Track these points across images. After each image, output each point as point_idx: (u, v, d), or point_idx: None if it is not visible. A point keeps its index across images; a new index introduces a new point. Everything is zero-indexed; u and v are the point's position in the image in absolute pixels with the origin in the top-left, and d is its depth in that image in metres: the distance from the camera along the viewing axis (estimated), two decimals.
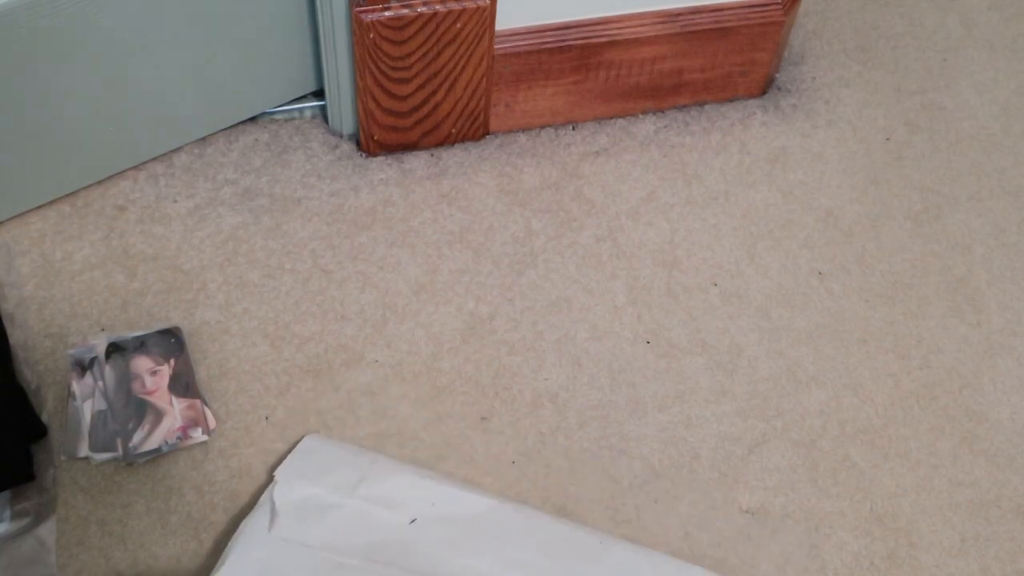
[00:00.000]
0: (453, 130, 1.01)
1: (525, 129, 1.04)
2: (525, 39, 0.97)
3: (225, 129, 1.01)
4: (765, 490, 0.84)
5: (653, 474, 0.84)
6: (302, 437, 0.82)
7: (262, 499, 0.78)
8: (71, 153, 0.93)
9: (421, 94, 0.96)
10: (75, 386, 0.83)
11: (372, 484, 0.78)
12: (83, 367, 0.84)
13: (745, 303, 0.94)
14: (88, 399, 0.83)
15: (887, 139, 1.08)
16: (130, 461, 0.81)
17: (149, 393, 0.83)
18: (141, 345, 0.86)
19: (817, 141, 1.07)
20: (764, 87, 1.09)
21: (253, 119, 1.02)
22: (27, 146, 0.90)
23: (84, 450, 0.81)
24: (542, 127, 1.05)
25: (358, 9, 0.89)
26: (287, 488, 0.77)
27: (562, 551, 0.77)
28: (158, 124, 0.96)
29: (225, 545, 0.76)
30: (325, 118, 1.03)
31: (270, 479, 0.80)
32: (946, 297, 0.96)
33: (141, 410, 0.83)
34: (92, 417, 0.82)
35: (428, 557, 0.75)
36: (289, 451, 0.81)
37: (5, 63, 0.83)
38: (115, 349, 0.85)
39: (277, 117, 1.03)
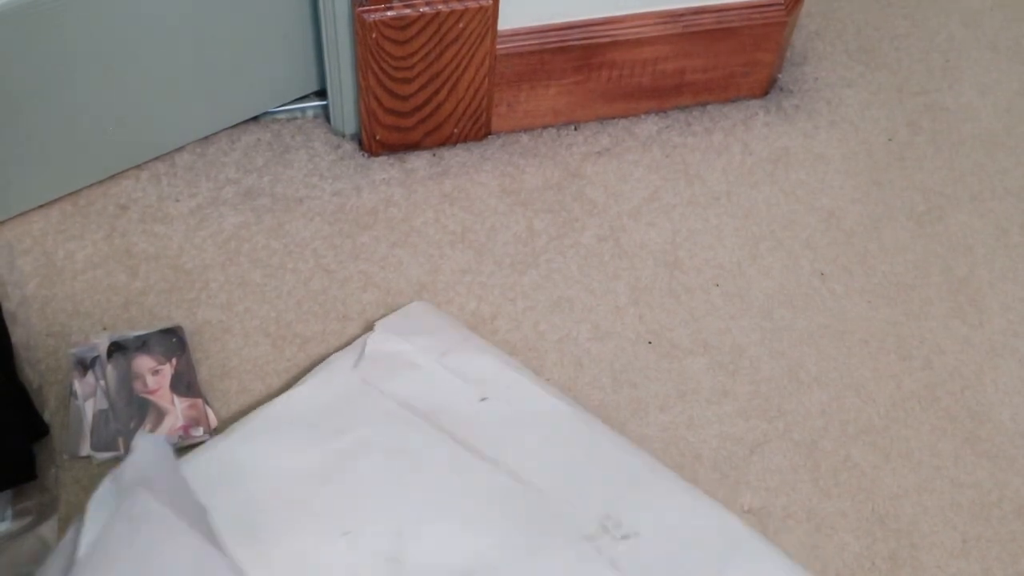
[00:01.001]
0: (455, 130, 1.01)
1: (527, 129, 1.04)
2: (527, 39, 0.97)
3: (227, 128, 1.01)
4: (767, 490, 0.84)
5: None
6: (412, 301, 0.89)
7: (356, 342, 0.84)
8: (73, 152, 0.93)
9: (423, 94, 0.96)
10: (77, 385, 0.83)
11: (457, 356, 0.83)
12: (85, 366, 0.84)
13: (747, 303, 0.94)
14: (90, 398, 0.83)
15: (889, 140, 1.08)
16: None
17: (151, 392, 0.84)
18: (143, 344, 0.86)
19: (819, 142, 1.07)
20: (766, 87, 1.09)
21: (255, 118, 1.02)
22: (29, 145, 0.90)
23: (86, 449, 0.81)
24: (544, 127, 1.05)
25: (360, 9, 0.89)
26: (381, 338, 0.83)
27: (611, 467, 0.79)
28: (160, 123, 0.96)
29: None
30: (327, 118, 1.03)
31: (369, 328, 0.86)
32: (948, 298, 0.96)
33: (143, 409, 0.83)
34: (94, 416, 0.82)
35: (484, 437, 0.79)
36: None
37: (6, 62, 0.83)
38: (117, 348, 0.85)
39: (279, 117, 1.03)
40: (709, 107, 1.08)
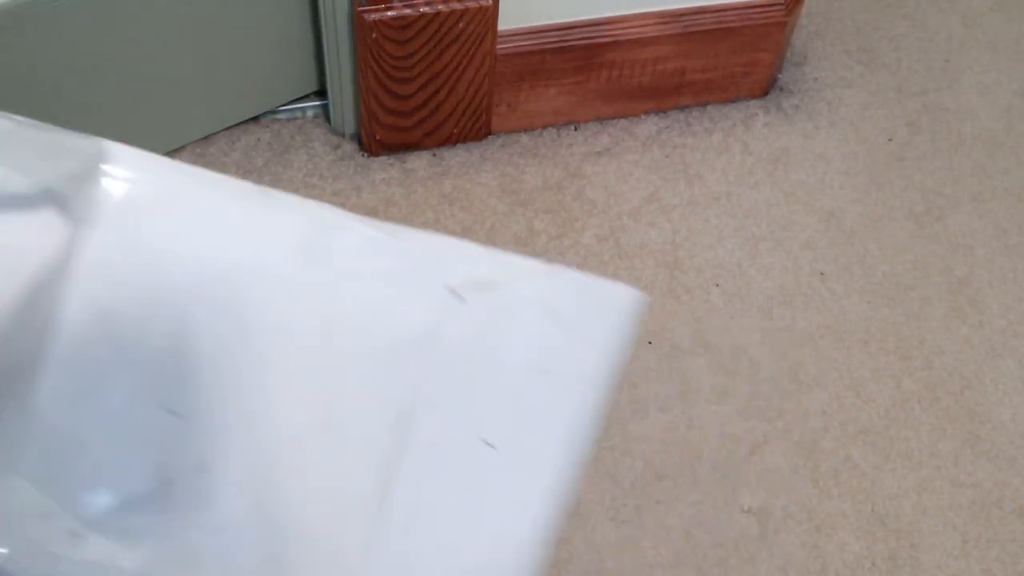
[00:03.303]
0: (455, 130, 1.01)
1: (527, 129, 1.04)
2: (527, 39, 0.97)
3: (227, 128, 1.01)
4: (767, 491, 0.84)
5: (655, 474, 0.84)
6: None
7: None
8: None
9: (423, 94, 0.96)
10: None
11: None
12: None
13: (747, 303, 0.94)
14: None
15: (889, 140, 1.08)
16: None
17: None
18: None
19: (819, 142, 1.07)
20: (766, 88, 1.09)
21: (255, 118, 1.02)
22: None
23: None
24: (544, 127, 1.05)
25: (360, 9, 0.89)
26: None
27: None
28: (160, 123, 0.96)
29: None
30: (327, 118, 1.03)
31: None
32: (948, 298, 0.96)
33: None
34: None
35: None
36: None
37: (6, 63, 0.83)
38: None
39: (279, 117, 1.03)
40: (709, 107, 1.08)
